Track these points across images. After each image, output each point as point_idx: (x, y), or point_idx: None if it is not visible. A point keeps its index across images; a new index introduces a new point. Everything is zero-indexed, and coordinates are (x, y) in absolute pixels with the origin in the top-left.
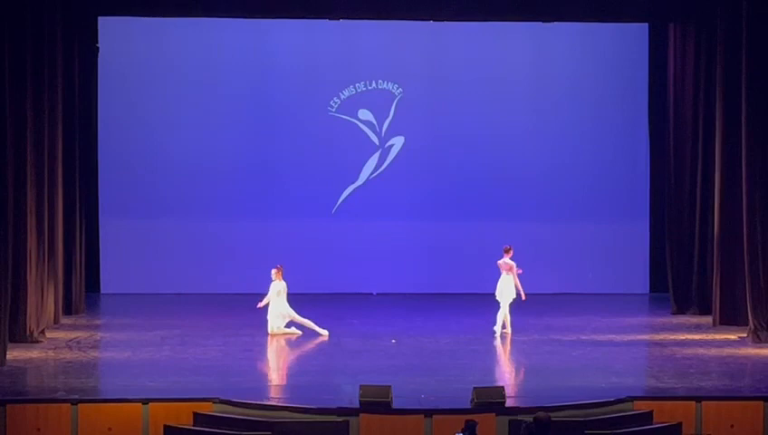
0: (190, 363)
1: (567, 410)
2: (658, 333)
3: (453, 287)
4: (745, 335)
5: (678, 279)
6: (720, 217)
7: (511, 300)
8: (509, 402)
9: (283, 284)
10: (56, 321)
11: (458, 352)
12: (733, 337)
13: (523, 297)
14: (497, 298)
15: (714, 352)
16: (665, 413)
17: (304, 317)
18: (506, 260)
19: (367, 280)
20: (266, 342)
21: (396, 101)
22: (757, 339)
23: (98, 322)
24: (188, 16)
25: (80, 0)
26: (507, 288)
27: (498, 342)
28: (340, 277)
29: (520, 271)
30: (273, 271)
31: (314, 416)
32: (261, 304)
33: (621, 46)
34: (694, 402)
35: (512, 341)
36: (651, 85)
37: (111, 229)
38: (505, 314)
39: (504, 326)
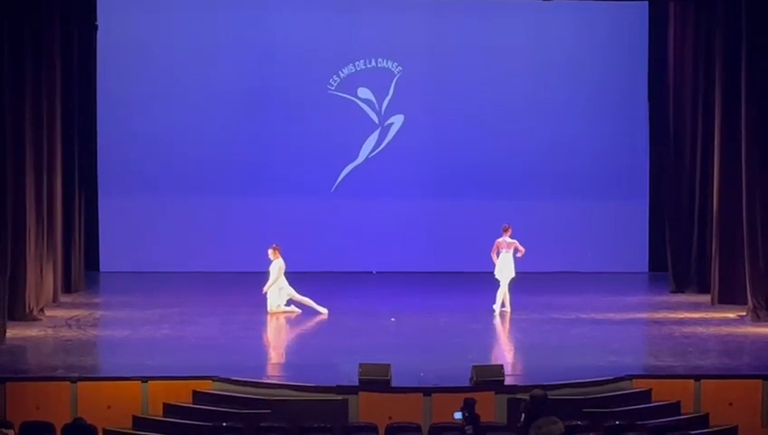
0: (189, 342)
1: (565, 388)
2: (657, 312)
3: (452, 266)
4: (744, 314)
5: (677, 258)
6: (719, 195)
7: (510, 279)
8: (508, 381)
9: (281, 262)
10: (55, 299)
11: (457, 331)
12: (731, 316)
13: (519, 254)
14: (497, 277)
15: (712, 330)
16: (663, 392)
17: (303, 295)
18: (506, 239)
19: (366, 258)
20: (265, 320)
21: (395, 80)
22: (756, 317)
23: (97, 300)
24: None
25: None
26: (507, 267)
27: (497, 320)
28: (339, 256)
29: (520, 254)
30: (270, 251)
31: (313, 394)
32: (266, 288)
33: (621, 24)
34: (692, 381)
35: (511, 319)
36: (651, 64)
37: (110, 208)
38: (505, 293)
39: (503, 305)
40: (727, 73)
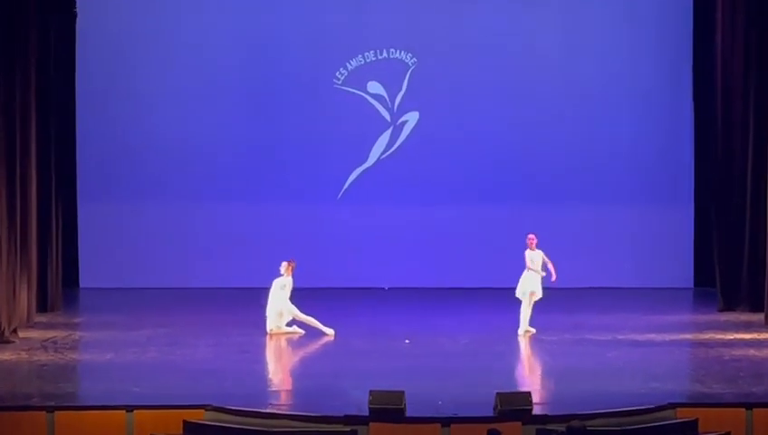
0: (179, 366)
1: (601, 418)
2: (704, 332)
3: (473, 281)
4: None
5: (726, 272)
6: None
7: (534, 296)
8: (536, 410)
9: (290, 279)
10: (29, 319)
11: (479, 354)
12: None
13: (553, 277)
14: (519, 296)
15: (766, 353)
16: (711, 422)
17: (307, 315)
18: (532, 252)
19: (377, 273)
20: (265, 342)
21: (409, 73)
22: None
23: (76, 320)
24: None
25: None
26: (531, 284)
27: (524, 342)
28: (347, 270)
29: (546, 274)
30: (285, 264)
31: (319, 425)
32: (295, 315)
33: (663, 13)
34: (744, 410)
35: (540, 341)
36: (696, 57)
37: (91, 217)
38: (528, 312)
39: (528, 325)
40: None
